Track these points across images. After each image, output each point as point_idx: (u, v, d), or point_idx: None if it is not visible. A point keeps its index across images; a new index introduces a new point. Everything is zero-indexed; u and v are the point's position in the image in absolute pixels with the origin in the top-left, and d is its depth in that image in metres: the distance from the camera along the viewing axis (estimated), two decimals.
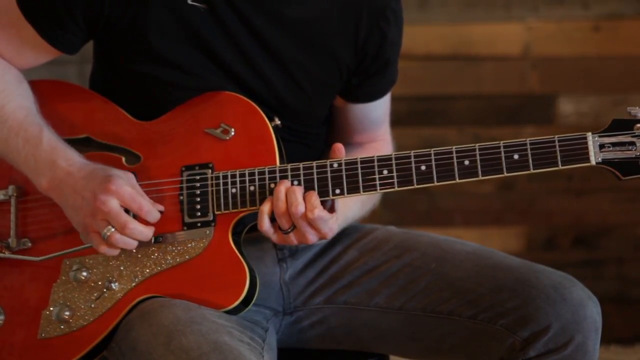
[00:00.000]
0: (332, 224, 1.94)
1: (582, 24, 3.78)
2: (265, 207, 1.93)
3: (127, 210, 1.92)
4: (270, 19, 2.01)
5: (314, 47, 2.04)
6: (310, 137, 2.14)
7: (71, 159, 1.96)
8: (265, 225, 1.93)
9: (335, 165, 1.94)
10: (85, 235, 1.95)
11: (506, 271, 2.07)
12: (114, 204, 1.90)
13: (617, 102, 3.78)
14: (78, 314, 1.98)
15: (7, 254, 2.04)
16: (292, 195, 1.91)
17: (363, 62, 2.09)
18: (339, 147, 1.96)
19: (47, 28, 2.01)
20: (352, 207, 2.11)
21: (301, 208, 1.90)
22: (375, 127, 2.22)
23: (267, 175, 1.95)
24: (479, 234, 3.80)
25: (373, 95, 2.17)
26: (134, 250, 1.97)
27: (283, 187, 1.93)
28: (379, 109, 2.21)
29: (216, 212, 1.96)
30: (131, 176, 1.95)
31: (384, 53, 2.10)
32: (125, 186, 1.91)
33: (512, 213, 3.85)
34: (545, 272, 2.06)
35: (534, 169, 1.90)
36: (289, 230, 1.93)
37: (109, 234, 1.90)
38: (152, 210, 1.94)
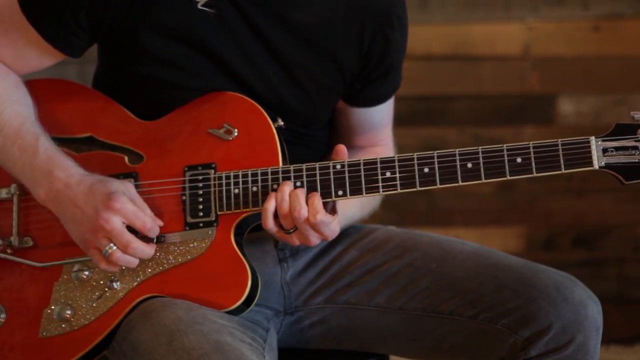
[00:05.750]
0: (334, 227, 1.95)
1: (582, 24, 3.78)
2: (270, 206, 1.93)
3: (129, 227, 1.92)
4: (275, 22, 2.01)
5: (318, 51, 2.04)
6: (312, 139, 2.14)
7: (68, 169, 1.95)
8: (270, 224, 1.93)
9: (338, 166, 1.94)
10: (85, 250, 1.95)
11: (507, 271, 2.07)
12: (117, 223, 1.89)
13: (617, 102, 3.78)
14: (79, 313, 1.98)
15: (9, 255, 2.04)
16: (295, 200, 1.91)
17: (366, 66, 2.09)
18: (341, 148, 1.96)
19: (50, 31, 2.00)
20: (352, 207, 2.11)
21: (304, 212, 1.90)
22: (376, 131, 2.22)
23: (269, 176, 1.95)
24: (479, 234, 3.80)
25: (375, 100, 2.17)
26: None
27: (287, 188, 1.93)
28: (381, 113, 2.21)
29: (218, 213, 1.96)
30: (130, 186, 1.95)
31: (388, 58, 2.10)
32: (128, 204, 1.91)
33: (512, 213, 3.85)
34: (546, 272, 2.06)
35: (536, 173, 1.90)
36: (291, 230, 1.94)
37: (110, 251, 1.90)
38: (154, 227, 1.94)
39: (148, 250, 1.93)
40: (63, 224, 1.96)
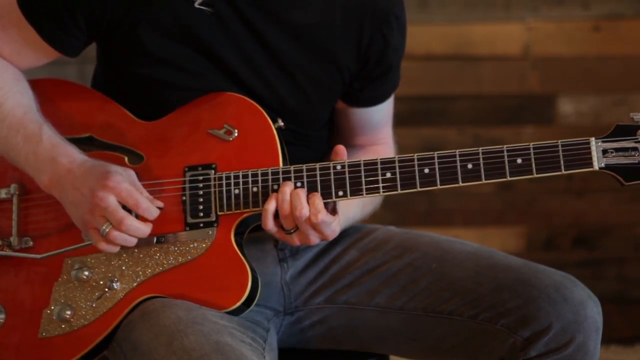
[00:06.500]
0: (335, 227, 1.95)
1: (582, 24, 3.78)
2: (271, 206, 1.93)
3: (126, 207, 1.92)
4: (273, 23, 2.01)
5: (316, 51, 2.04)
6: (312, 139, 2.14)
7: (72, 155, 1.96)
8: (270, 224, 1.93)
9: (339, 167, 1.95)
10: (85, 231, 1.95)
11: (507, 271, 2.07)
12: (111, 201, 1.89)
13: (617, 102, 3.78)
14: (79, 313, 1.98)
15: (9, 252, 2.04)
16: (296, 199, 1.91)
17: (365, 67, 2.09)
18: (340, 148, 1.96)
19: (48, 29, 2.01)
20: (353, 207, 2.11)
21: (305, 212, 1.91)
22: (376, 130, 2.22)
23: (270, 177, 1.95)
24: (479, 234, 3.80)
25: (374, 100, 2.17)
26: (136, 250, 1.97)
27: (288, 188, 1.93)
28: (381, 113, 2.21)
29: (219, 213, 1.96)
30: (131, 172, 1.95)
31: (386, 59, 2.10)
32: (123, 182, 1.91)
33: (512, 213, 3.85)
34: (546, 272, 2.06)
35: (537, 174, 1.91)
36: (292, 230, 1.94)
37: (107, 230, 1.90)
38: (150, 207, 1.93)
39: (143, 227, 1.92)
40: (66, 209, 1.96)
